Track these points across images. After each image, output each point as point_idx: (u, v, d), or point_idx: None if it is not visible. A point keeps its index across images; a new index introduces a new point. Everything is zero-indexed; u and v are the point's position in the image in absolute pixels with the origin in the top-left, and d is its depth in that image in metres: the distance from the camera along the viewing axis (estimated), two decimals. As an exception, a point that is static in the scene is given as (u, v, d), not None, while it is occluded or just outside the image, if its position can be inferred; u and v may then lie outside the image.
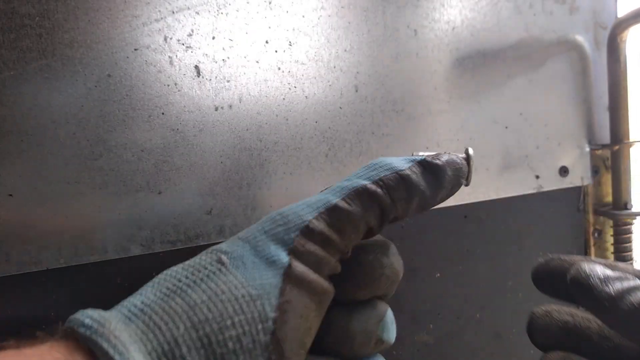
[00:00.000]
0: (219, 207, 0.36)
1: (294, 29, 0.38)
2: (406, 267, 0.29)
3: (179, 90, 0.35)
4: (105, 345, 0.18)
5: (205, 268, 0.21)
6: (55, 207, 0.32)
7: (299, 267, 0.20)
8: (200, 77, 0.35)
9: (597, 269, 0.25)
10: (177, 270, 0.22)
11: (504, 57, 0.47)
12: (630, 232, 0.52)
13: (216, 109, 0.36)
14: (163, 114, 0.34)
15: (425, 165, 0.24)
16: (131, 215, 0.34)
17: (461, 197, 0.45)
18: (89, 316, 0.19)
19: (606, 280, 0.24)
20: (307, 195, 0.39)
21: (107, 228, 0.33)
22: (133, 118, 0.34)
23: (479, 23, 0.45)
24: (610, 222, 0.53)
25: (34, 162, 0.31)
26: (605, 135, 0.52)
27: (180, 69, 0.35)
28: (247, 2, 0.36)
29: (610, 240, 0.53)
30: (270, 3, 0.37)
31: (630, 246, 0.52)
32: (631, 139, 0.50)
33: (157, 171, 0.34)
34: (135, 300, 0.20)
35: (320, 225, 0.21)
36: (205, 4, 0.35)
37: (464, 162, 0.26)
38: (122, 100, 0.33)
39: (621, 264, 0.27)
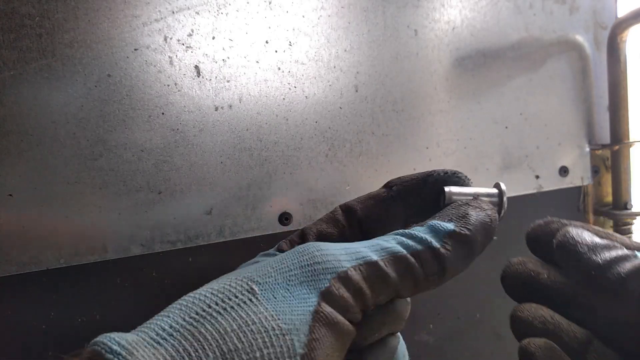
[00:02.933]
0: (219, 207, 0.36)
1: (294, 29, 0.38)
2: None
3: (179, 90, 0.35)
4: None
5: (236, 296, 0.21)
6: (55, 207, 0.32)
7: (328, 309, 0.21)
8: (200, 77, 0.35)
9: (586, 236, 0.24)
10: (205, 294, 0.21)
11: (504, 57, 0.47)
12: (631, 232, 0.52)
13: (216, 109, 0.36)
14: (163, 114, 0.34)
15: (456, 239, 0.24)
16: (131, 215, 0.34)
17: (461, 197, 0.45)
18: (116, 342, 0.18)
19: (594, 248, 0.24)
20: (308, 194, 0.39)
21: (107, 228, 0.33)
22: (133, 118, 0.34)
23: (479, 23, 0.45)
24: (611, 222, 0.53)
25: (34, 162, 0.31)
26: (605, 135, 0.52)
27: (180, 69, 0.35)
28: (247, 2, 0.36)
29: (610, 240, 0.53)
30: (270, 3, 0.37)
31: (631, 246, 0.52)
32: (631, 139, 0.50)
33: (157, 171, 0.34)
34: (162, 322, 0.20)
35: (357, 276, 0.22)
36: (206, 4, 0.35)
37: (494, 216, 0.25)
38: (122, 100, 0.33)
39: (609, 232, 0.26)
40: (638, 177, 0.52)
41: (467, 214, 0.25)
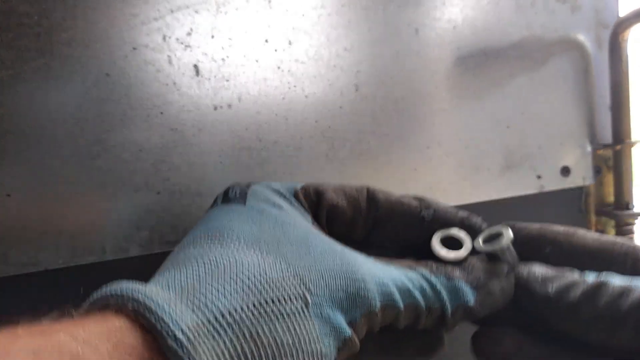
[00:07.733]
0: (219, 207, 0.36)
1: (293, 28, 0.38)
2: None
3: (177, 90, 0.35)
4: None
5: (291, 300, 0.20)
6: (54, 207, 0.32)
7: (355, 340, 0.22)
8: (199, 76, 0.35)
9: (536, 271, 0.26)
10: (260, 282, 0.21)
11: (506, 56, 0.46)
12: (632, 233, 0.51)
13: (215, 108, 0.36)
14: (162, 113, 0.34)
15: (469, 315, 0.26)
16: (130, 215, 0.34)
17: (462, 197, 0.45)
18: (177, 325, 0.17)
19: (544, 280, 0.26)
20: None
21: (106, 228, 0.33)
22: (131, 117, 0.33)
23: (481, 22, 0.45)
24: (612, 223, 0.52)
25: (31, 162, 0.31)
26: (607, 135, 0.52)
27: (179, 68, 0.35)
28: (247, 1, 0.36)
29: (612, 240, 0.53)
30: (269, 2, 0.37)
31: (632, 246, 0.52)
32: (633, 138, 0.50)
33: (156, 171, 0.34)
34: (220, 303, 0.19)
35: (380, 318, 0.23)
36: (205, 2, 0.35)
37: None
38: (120, 99, 0.33)
39: (578, 236, 0.27)
40: (640, 177, 0.52)
41: (492, 293, 0.26)
